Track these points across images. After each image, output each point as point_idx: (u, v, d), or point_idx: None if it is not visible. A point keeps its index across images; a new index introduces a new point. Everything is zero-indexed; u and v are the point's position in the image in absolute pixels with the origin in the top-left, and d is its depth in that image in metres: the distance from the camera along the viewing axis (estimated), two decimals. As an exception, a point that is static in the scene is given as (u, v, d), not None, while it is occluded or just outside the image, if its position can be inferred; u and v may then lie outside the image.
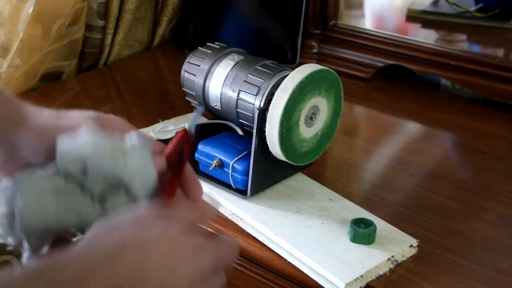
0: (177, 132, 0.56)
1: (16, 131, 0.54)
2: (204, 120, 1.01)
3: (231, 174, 0.85)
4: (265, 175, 0.85)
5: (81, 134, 0.53)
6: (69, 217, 0.51)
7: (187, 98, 0.94)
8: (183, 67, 0.92)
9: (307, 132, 0.83)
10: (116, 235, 0.47)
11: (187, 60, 0.92)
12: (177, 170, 0.56)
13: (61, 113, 0.57)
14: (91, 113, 0.57)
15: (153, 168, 0.54)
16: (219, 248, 0.53)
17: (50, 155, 0.53)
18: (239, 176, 0.85)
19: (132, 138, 0.54)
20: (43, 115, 0.56)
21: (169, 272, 0.48)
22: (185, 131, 0.57)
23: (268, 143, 0.81)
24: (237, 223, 0.83)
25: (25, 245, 0.52)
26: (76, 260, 0.45)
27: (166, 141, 0.65)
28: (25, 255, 0.52)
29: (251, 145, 0.82)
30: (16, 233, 0.51)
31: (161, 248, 0.48)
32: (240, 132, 0.93)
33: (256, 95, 0.83)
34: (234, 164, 0.85)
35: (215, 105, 0.89)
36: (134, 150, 0.53)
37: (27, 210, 0.50)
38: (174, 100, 1.18)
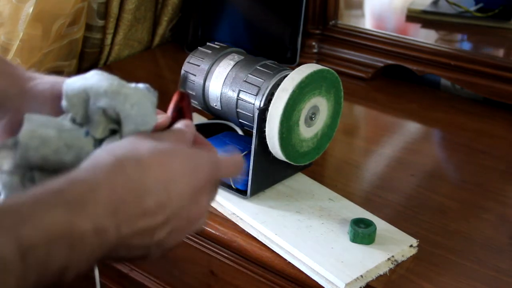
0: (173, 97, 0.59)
1: (19, 96, 0.56)
2: (204, 120, 1.01)
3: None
4: (265, 175, 0.85)
5: (89, 73, 0.54)
6: (68, 154, 0.51)
7: (187, 98, 0.94)
8: (183, 67, 0.92)
9: (307, 132, 0.83)
10: (113, 154, 0.47)
11: (187, 60, 0.92)
12: None
13: (63, 79, 0.58)
14: None
15: (154, 115, 0.54)
16: (215, 159, 0.52)
17: (54, 100, 0.55)
18: (239, 176, 0.85)
19: (138, 84, 0.55)
20: (45, 82, 0.57)
21: (167, 186, 0.47)
22: (178, 92, 0.58)
23: (268, 143, 0.81)
24: (237, 223, 0.83)
25: (26, 179, 0.52)
26: (77, 182, 0.44)
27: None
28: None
29: (251, 145, 0.82)
30: (17, 167, 0.51)
31: (156, 161, 0.47)
32: (240, 132, 0.93)
33: (256, 95, 0.83)
34: (234, 164, 0.85)
35: (215, 105, 0.89)
36: (138, 91, 0.53)
37: (29, 140, 0.50)
38: (174, 100, 1.18)
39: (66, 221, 0.41)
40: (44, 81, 0.58)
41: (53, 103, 0.56)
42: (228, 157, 0.54)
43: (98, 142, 0.52)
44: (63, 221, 0.41)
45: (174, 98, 0.58)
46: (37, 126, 0.51)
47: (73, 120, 0.53)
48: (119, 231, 0.44)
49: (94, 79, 0.53)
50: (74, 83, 0.53)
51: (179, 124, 0.55)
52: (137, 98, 0.52)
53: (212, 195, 0.53)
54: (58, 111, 0.54)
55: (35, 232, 0.40)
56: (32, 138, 0.50)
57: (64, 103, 0.53)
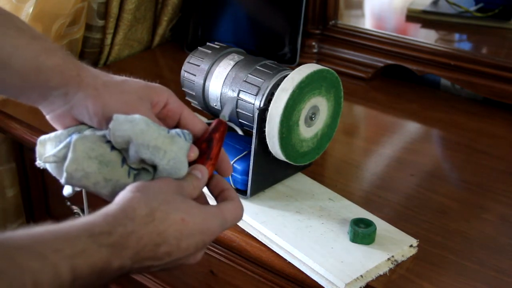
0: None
1: (75, 92, 0.61)
2: (204, 120, 1.00)
3: (231, 174, 0.85)
4: (265, 175, 0.85)
5: (136, 118, 0.59)
6: (106, 188, 0.59)
7: (187, 98, 0.94)
8: (183, 67, 0.92)
9: (307, 132, 0.83)
10: (149, 206, 0.55)
11: (187, 60, 0.92)
12: (208, 157, 0.63)
13: (116, 81, 0.63)
14: (141, 83, 0.64)
15: (185, 166, 0.60)
16: (224, 217, 0.60)
17: (101, 121, 0.61)
18: (239, 176, 0.85)
19: (177, 133, 0.61)
20: (99, 82, 0.62)
21: (180, 240, 0.55)
22: (217, 120, 0.64)
23: (268, 143, 0.81)
24: (237, 223, 0.82)
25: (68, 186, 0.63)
26: (120, 227, 0.52)
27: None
28: (67, 188, 0.64)
29: (251, 145, 0.82)
30: (61, 179, 0.60)
31: (179, 218, 0.55)
32: (240, 132, 0.93)
33: (256, 95, 0.83)
34: (234, 164, 0.85)
35: (215, 105, 0.89)
36: (175, 145, 0.59)
37: (73, 172, 0.59)
38: (174, 100, 1.18)
39: (106, 260, 0.51)
40: (96, 86, 0.62)
41: (101, 111, 0.61)
42: (232, 209, 0.62)
43: (132, 170, 0.60)
44: (105, 260, 0.51)
45: (211, 126, 0.64)
46: (80, 160, 0.58)
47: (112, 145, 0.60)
48: (131, 268, 0.53)
49: (140, 127, 0.58)
50: (121, 124, 0.58)
51: (198, 172, 0.61)
52: (174, 154, 0.59)
53: (206, 247, 0.61)
54: (105, 115, 0.61)
55: (85, 265, 0.50)
56: (76, 171, 0.59)
57: (108, 136, 0.60)
